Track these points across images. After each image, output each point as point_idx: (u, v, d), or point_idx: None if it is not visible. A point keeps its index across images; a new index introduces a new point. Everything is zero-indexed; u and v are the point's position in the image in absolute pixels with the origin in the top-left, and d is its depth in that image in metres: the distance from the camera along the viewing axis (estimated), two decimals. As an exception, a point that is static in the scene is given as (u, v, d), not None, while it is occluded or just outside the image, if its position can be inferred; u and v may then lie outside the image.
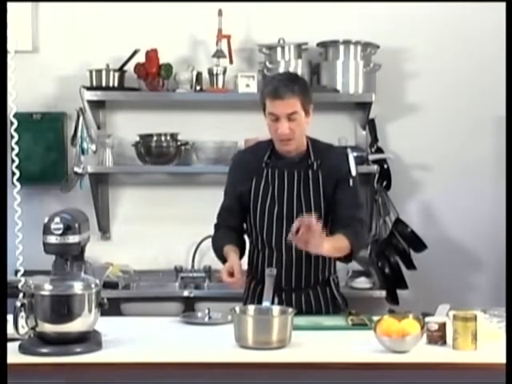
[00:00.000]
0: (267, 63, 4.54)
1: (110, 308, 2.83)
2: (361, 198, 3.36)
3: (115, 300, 4.12)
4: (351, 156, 3.34)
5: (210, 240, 4.54)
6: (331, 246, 3.07)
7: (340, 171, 3.28)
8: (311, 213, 3.18)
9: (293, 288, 3.29)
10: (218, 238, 3.42)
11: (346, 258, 3.25)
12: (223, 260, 3.29)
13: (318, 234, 2.95)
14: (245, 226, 3.41)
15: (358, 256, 4.45)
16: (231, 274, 3.13)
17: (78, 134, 4.54)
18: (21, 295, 2.70)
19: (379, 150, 4.68)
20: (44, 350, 2.67)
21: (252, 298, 3.34)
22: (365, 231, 3.36)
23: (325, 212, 3.26)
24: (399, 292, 4.53)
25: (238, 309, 2.90)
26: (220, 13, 4.48)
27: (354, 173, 3.29)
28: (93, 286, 2.76)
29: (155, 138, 4.55)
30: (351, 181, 3.28)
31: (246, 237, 3.43)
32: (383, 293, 4.50)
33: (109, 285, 4.33)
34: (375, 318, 2.94)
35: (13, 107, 2.75)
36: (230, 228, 3.39)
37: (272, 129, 3.22)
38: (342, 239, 3.14)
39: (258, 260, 3.34)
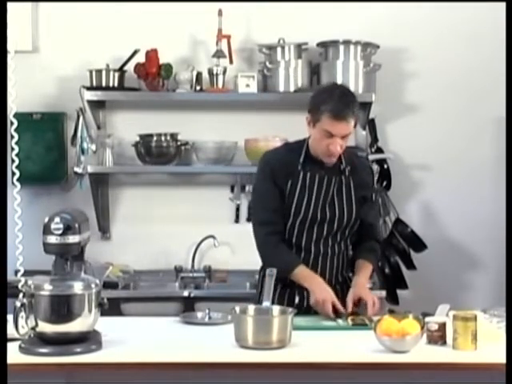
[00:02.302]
0: (267, 63, 4.54)
1: (110, 308, 2.82)
2: (379, 211, 3.51)
3: (115, 300, 4.12)
4: (373, 168, 3.43)
5: (210, 240, 4.62)
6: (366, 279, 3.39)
7: (367, 187, 3.40)
8: (343, 218, 3.31)
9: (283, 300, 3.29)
10: (281, 252, 3.31)
11: None
12: (288, 272, 3.26)
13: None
14: None
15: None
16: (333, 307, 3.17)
17: (78, 134, 4.54)
18: (21, 295, 2.70)
19: (379, 150, 4.68)
20: (44, 350, 2.67)
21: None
22: (380, 249, 3.53)
23: (355, 217, 3.34)
24: (399, 292, 4.53)
25: (237, 309, 2.90)
26: (220, 13, 4.48)
27: (375, 185, 3.47)
28: (93, 285, 2.76)
29: (155, 138, 4.55)
30: (374, 195, 3.45)
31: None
32: (383, 293, 4.49)
33: (109, 285, 4.33)
34: (375, 318, 2.94)
35: (13, 107, 2.75)
36: (282, 234, 3.32)
37: (322, 143, 3.21)
38: (369, 268, 3.39)
39: None
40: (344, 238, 3.38)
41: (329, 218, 3.30)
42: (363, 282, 3.32)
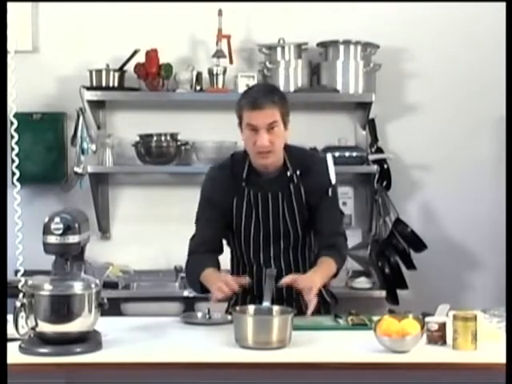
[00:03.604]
0: (267, 63, 4.54)
1: (110, 308, 2.82)
2: (339, 205, 3.34)
3: (115, 300, 4.12)
4: (331, 162, 3.25)
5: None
6: (322, 278, 3.11)
7: (323, 186, 3.23)
8: (297, 229, 3.20)
9: (284, 300, 3.19)
10: (194, 262, 3.23)
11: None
12: (199, 286, 3.15)
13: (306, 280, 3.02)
14: (225, 241, 3.34)
15: (357, 256, 4.48)
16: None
17: (78, 133, 4.54)
18: (21, 295, 2.70)
19: (379, 150, 4.68)
20: (44, 350, 2.67)
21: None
22: (346, 244, 3.33)
23: (310, 223, 3.23)
24: (399, 292, 4.53)
25: (238, 309, 2.91)
26: (220, 13, 4.48)
27: (333, 181, 3.23)
28: (93, 286, 2.76)
29: (155, 138, 4.55)
30: (330, 190, 3.23)
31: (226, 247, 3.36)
32: (383, 293, 4.50)
33: (109, 285, 4.33)
34: (375, 318, 2.94)
35: (13, 107, 2.75)
36: (209, 250, 3.22)
37: (250, 142, 3.11)
38: (329, 264, 3.16)
39: (244, 273, 3.26)
40: (306, 245, 3.25)
41: (283, 232, 3.20)
42: (313, 277, 3.08)
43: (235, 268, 3.34)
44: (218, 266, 3.21)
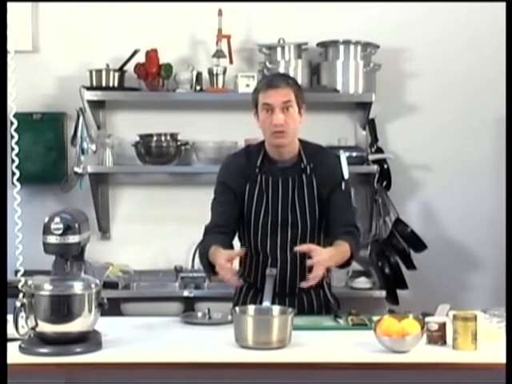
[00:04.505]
0: (267, 63, 4.54)
1: (110, 308, 2.83)
2: (352, 200, 3.38)
3: (115, 300, 4.12)
4: (344, 159, 3.31)
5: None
6: (337, 260, 3.13)
7: (335, 178, 3.27)
8: (306, 220, 3.21)
9: (286, 293, 3.24)
10: (204, 243, 3.26)
11: (344, 265, 3.26)
12: (208, 264, 3.15)
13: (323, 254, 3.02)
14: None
15: (357, 256, 4.47)
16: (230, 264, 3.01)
17: (78, 133, 4.54)
18: (21, 295, 2.70)
19: (379, 150, 4.68)
20: (44, 350, 2.67)
21: (244, 301, 3.29)
22: (360, 237, 3.35)
23: (319, 216, 3.25)
24: (399, 292, 4.53)
25: (237, 309, 2.91)
26: (220, 13, 4.48)
27: (346, 176, 3.28)
28: (93, 286, 2.76)
29: (155, 138, 4.55)
30: (343, 184, 3.27)
31: (236, 240, 3.38)
32: (383, 293, 4.50)
33: (109, 285, 4.33)
34: (375, 318, 2.94)
35: (13, 107, 2.75)
36: (221, 232, 3.25)
37: (266, 122, 3.19)
38: (345, 250, 3.15)
39: (251, 264, 3.30)
40: (314, 241, 3.23)
41: (291, 221, 3.23)
42: (330, 255, 3.07)
43: (243, 259, 3.35)
44: (227, 246, 3.20)
